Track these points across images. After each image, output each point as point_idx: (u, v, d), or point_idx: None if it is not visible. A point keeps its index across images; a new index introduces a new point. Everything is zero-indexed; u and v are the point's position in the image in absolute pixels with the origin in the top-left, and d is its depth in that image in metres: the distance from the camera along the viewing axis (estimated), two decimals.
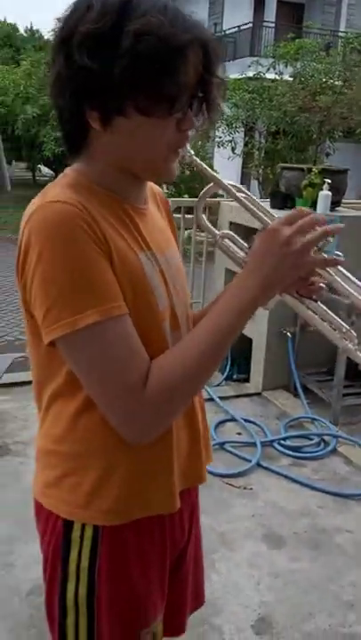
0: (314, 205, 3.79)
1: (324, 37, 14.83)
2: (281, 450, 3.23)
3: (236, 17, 16.65)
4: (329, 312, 1.00)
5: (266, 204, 4.08)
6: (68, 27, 0.86)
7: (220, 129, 11.24)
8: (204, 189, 1.03)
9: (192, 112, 0.91)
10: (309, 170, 3.81)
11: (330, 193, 3.74)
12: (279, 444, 3.27)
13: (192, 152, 0.95)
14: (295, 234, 0.87)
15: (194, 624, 2.02)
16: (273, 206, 3.84)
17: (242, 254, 0.98)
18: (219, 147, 11.94)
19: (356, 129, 10.41)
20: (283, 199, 3.86)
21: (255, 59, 12.40)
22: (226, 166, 11.37)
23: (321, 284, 0.96)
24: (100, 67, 0.82)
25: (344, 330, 1.00)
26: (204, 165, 0.97)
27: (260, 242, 0.90)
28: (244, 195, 0.97)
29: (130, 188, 0.98)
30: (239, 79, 11.75)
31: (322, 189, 3.75)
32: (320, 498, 2.84)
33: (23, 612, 2.07)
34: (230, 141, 11.49)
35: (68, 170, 0.96)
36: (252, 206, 0.95)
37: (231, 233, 1.00)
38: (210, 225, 1.06)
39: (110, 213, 0.92)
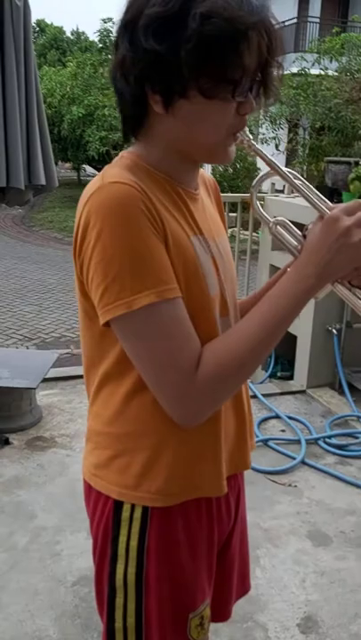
0: None
1: None
2: (326, 448, 3.18)
3: (281, 12, 16.49)
4: None
5: None
6: (133, 10, 0.86)
7: (263, 126, 11.15)
8: (260, 175, 1.02)
9: (252, 95, 0.90)
10: (356, 163, 3.75)
11: None
12: (324, 441, 3.22)
13: (250, 136, 0.95)
14: (355, 225, 0.87)
15: (238, 619, 2.02)
16: None
17: (295, 243, 0.97)
18: (262, 144, 11.84)
19: None
20: (330, 193, 3.81)
21: (300, 54, 12.26)
22: None
23: None
24: (166, 49, 0.83)
25: None
26: (262, 150, 0.97)
27: (319, 230, 0.89)
28: (301, 182, 0.95)
29: (185, 171, 0.99)
30: (284, 75, 11.62)
31: None
32: None
33: (68, 602, 2.11)
34: (274, 138, 11.38)
35: (125, 152, 0.97)
36: (309, 193, 0.93)
37: (286, 220, 0.98)
38: (263, 211, 1.04)
39: (165, 196, 0.93)
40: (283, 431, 3.37)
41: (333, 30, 11.69)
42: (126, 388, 0.96)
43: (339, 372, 3.76)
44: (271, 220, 1.00)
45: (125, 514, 1.00)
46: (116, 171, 0.90)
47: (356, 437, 3.28)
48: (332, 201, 3.81)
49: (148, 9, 0.83)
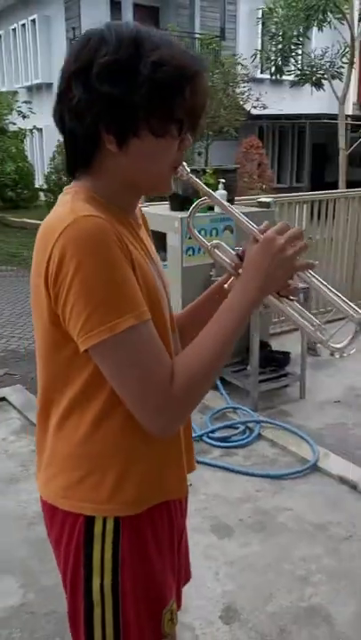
0: (211, 206, 3.92)
1: (183, 39, 15.22)
2: (211, 442, 3.33)
3: (92, 18, 16.61)
4: (304, 310, 1.11)
5: (165, 207, 4.18)
6: (83, 59, 0.94)
7: None
8: (196, 203, 1.13)
9: (193, 133, 1.03)
10: (204, 171, 3.93)
11: (225, 192, 3.89)
12: (208, 436, 3.37)
13: (188, 169, 1.04)
14: (287, 243, 0.99)
15: None
16: (172, 209, 3.92)
17: (229, 261, 1.05)
18: None
19: (224, 127, 10.84)
20: (181, 201, 3.95)
21: None
22: None
23: (296, 286, 1.07)
24: (120, 93, 0.92)
25: (315, 324, 1.11)
26: (199, 181, 1.08)
27: (258, 249, 1.00)
28: (232, 208, 1.08)
29: (132, 202, 1.08)
30: None
31: (217, 189, 3.89)
32: (256, 482, 2.97)
33: None
34: None
35: (75, 187, 1.01)
36: (241, 218, 1.05)
37: (222, 243, 1.09)
38: (202, 237, 1.14)
39: (123, 228, 1.00)
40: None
41: None
42: (95, 411, 1.02)
43: None
44: (209, 244, 1.10)
45: (98, 529, 1.05)
46: (84, 205, 0.95)
47: (237, 428, 3.47)
48: (184, 208, 3.93)
49: (100, 58, 0.92)
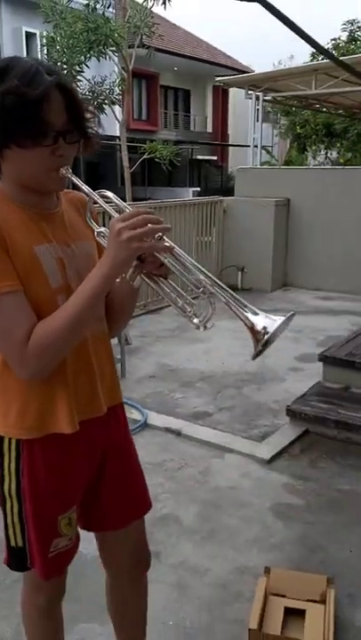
0: None
1: None
2: None
3: None
4: (178, 288, 1.29)
5: None
6: None
7: None
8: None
9: (64, 141, 1.22)
10: None
11: None
12: None
13: (70, 171, 1.26)
14: (124, 228, 1.16)
15: None
16: None
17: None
18: None
19: None
20: None
21: None
22: None
23: (164, 265, 1.24)
24: None
25: (190, 303, 1.27)
26: (78, 180, 1.29)
27: (109, 233, 1.22)
28: (106, 199, 1.34)
29: (33, 198, 1.30)
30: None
31: None
32: None
33: None
34: None
35: None
36: (105, 207, 1.34)
37: (102, 230, 1.35)
38: (94, 225, 1.40)
39: (16, 217, 1.26)
40: None
41: None
42: (1, 362, 1.33)
43: None
44: (97, 229, 1.37)
45: (6, 446, 1.37)
46: None
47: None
48: None
49: None
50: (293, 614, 2.09)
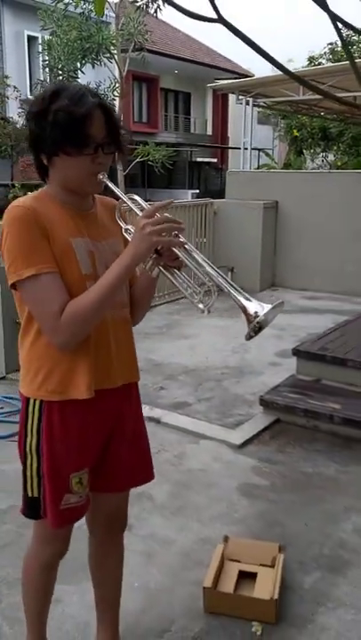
0: None
1: None
2: None
3: None
4: (188, 278, 1.52)
5: None
6: (28, 107, 1.55)
7: None
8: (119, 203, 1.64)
9: (103, 151, 1.47)
10: (13, 185, 4.58)
11: None
12: None
13: (106, 176, 1.52)
14: (147, 224, 1.40)
15: None
16: None
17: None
18: None
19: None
20: None
21: None
22: None
23: (180, 259, 1.47)
24: (39, 130, 1.48)
25: (198, 292, 1.50)
26: (112, 184, 1.55)
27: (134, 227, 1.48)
28: (132, 200, 1.59)
29: (73, 199, 1.56)
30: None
31: None
32: None
33: None
34: None
35: (41, 189, 1.59)
36: (133, 207, 1.58)
37: (129, 227, 1.57)
38: (122, 223, 1.61)
39: (57, 214, 1.52)
40: (1, 408, 4.03)
41: None
42: (32, 333, 1.56)
43: None
44: (124, 226, 1.60)
45: (30, 407, 1.60)
46: (22, 198, 1.55)
47: None
48: None
49: (33, 107, 1.51)
50: (247, 577, 2.32)
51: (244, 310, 1.38)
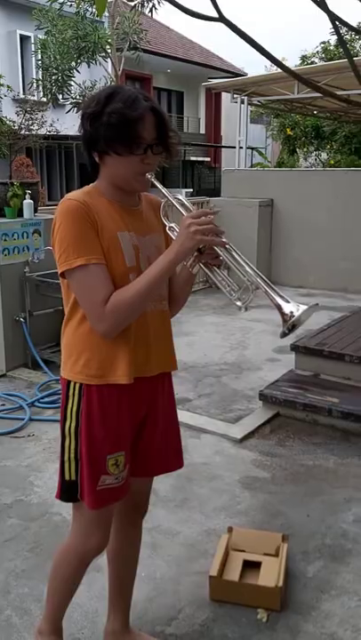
0: (20, 213, 4.61)
1: None
2: (43, 406, 4.03)
3: None
4: (227, 276, 1.58)
5: None
6: (83, 108, 1.61)
7: None
8: (163, 202, 1.71)
9: (152, 152, 1.55)
10: (12, 184, 4.61)
11: (32, 201, 4.62)
12: (39, 402, 4.06)
13: (153, 176, 1.60)
14: (193, 223, 1.48)
15: None
16: None
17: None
18: None
19: None
20: None
21: None
22: None
23: (220, 258, 1.54)
24: (94, 131, 1.55)
25: (236, 289, 1.56)
26: (159, 183, 1.64)
27: (179, 226, 1.55)
28: (177, 200, 1.65)
29: (121, 195, 1.64)
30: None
31: (25, 199, 4.60)
32: None
33: None
34: None
35: (92, 184, 1.66)
36: (179, 207, 1.63)
37: (173, 225, 1.65)
38: (167, 221, 1.69)
39: (105, 208, 1.60)
40: (2, 404, 4.06)
41: None
42: (76, 320, 1.64)
43: (32, 351, 4.60)
44: (168, 224, 1.68)
45: (71, 390, 1.66)
46: (74, 193, 1.61)
47: (59, 394, 4.20)
48: None
49: (88, 109, 1.57)
50: (251, 566, 2.36)
51: (279, 309, 1.46)
